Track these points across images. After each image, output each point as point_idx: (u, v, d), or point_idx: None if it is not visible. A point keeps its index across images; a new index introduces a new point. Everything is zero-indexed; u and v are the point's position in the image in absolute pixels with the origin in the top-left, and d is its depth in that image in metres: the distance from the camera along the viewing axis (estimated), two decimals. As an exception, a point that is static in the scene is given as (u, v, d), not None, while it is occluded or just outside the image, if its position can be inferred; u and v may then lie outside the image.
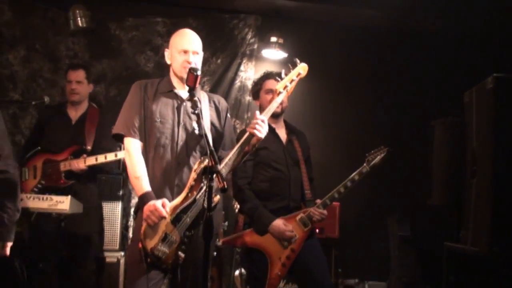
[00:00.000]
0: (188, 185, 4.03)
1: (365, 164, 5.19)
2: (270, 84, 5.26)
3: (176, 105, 4.17)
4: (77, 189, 5.77)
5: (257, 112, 4.16)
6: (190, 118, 4.15)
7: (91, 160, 5.66)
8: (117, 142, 4.36)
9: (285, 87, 4.34)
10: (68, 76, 6.02)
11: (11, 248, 4.21)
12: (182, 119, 4.14)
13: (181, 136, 4.12)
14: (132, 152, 4.10)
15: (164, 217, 3.91)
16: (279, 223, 4.92)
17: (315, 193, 5.20)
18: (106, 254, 6.30)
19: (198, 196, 4.01)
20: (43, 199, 5.37)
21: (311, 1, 7.38)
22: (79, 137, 5.91)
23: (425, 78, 7.71)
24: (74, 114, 6.05)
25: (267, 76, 5.36)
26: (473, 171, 5.19)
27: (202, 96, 4.29)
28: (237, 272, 6.33)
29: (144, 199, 3.98)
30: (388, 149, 5.23)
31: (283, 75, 4.42)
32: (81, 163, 5.67)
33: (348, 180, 5.14)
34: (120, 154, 5.64)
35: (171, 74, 4.28)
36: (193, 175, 4.02)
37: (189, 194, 4.02)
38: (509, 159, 4.82)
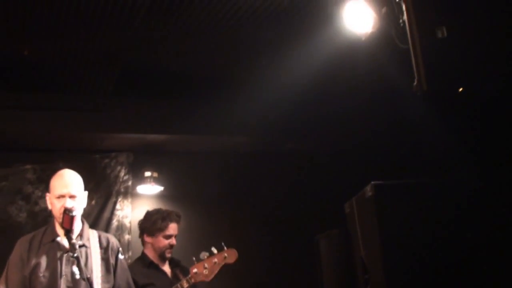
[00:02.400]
0: None
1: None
2: (171, 229, 5.20)
3: (58, 255, 3.94)
4: None
5: None
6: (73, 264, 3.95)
7: None
8: None
9: (204, 268, 4.19)
10: None
11: None
12: (63, 270, 3.89)
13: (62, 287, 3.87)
14: None
15: None
16: None
17: None
18: None
19: None
20: None
21: (180, 133, 7.44)
22: None
23: (304, 196, 7.79)
24: None
25: (170, 219, 5.28)
26: (366, 280, 5.21)
27: (92, 237, 4.11)
28: None
29: None
30: None
31: (202, 256, 4.27)
32: None
33: None
34: None
35: (55, 220, 4.09)
36: None
37: None
38: (398, 262, 4.89)
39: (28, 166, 7.27)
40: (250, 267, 7.53)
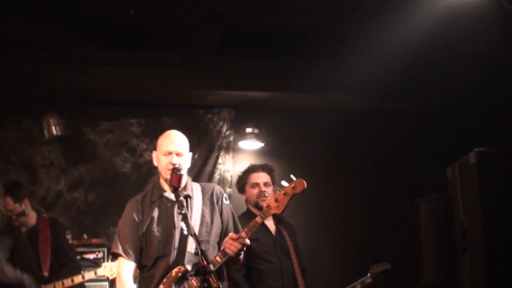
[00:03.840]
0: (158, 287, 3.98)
1: (368, 275, 5.19)
2: (255, 177, 5.28)
3: (168, 209, 4.11)
4: None
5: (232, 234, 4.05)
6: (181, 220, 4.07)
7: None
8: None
9: (275, 201, 4.23)
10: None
11: None
12: (176, 222, 4.06)
13: (177, 240, 4.04)
14: (121, 272, 4.10)
15: None
16: None
17: None
18: None
19: None
20: None
21: (282, 91, 7.46)
22: (34, 256, 5.70)
23: (407, 156, 7.71)
24: (25, 228, 5.80)
25: (252, 169, 5.37)
26: (464, 246, 5.16)
27: (195, 189, 4.23)
28: None
29: None
30: (390, 264, 5.23)
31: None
32: None
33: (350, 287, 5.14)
34: (88, 275, 5.54)
35: (160, 177, 4.23)
36: (164, 279, 3.97)
37: None
38: (499, 231, 4.81)
39: (133, 120, 7.52)
40: (348, 224, 7.60)
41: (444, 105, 7.39)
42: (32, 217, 5.82)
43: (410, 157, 7.65)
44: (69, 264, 5.74)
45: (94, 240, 6.60)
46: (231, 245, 3.92)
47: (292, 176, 4.17)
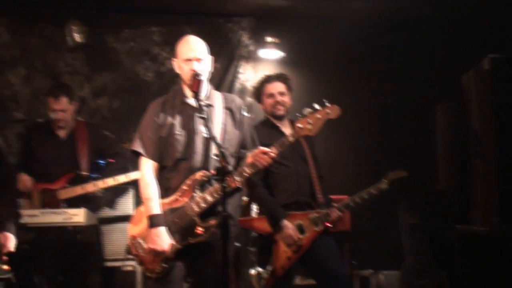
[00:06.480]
0: (181, 188, 4.14)
1: (384, 180, 5.26)
2: (270, 88, 5.31)
3: (190, 114, 4.23)
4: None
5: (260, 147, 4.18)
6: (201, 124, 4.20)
7: (90, 187, 5.71)
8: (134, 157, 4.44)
9: (308, 123, 4.27)
10: (50, 104, 5.84)
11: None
12: (197, 128, 4.19)
13: (198, 144, 4.17)
14: (144, 173, 4.24)
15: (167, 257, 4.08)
16: (288, 226, 4.99)
17: (326, 196, 5.27)
18: (119, 263, 6.19)
19: (186, 204, 4.12)
20: (58, 213, 5.39)
21: (303, -1, 7.42)
22: (70, 157, 5.86)
23: (422, 64, 7.70)
24: (62, 132, 5.96)
25: (267, 80, 5.39)
26: (477, 152, 5.24)
27: (217, 98, 4.34)
28: (253, 271, 6.37)
29: (152, 220, 4.10)
30: (406, 172, 5.30)
31: (306, 112, 4.35)
32: (90, 188, 5.71)
33: (365, 192, 5.24)
34: (134, 175, 5.65)
35: (182, 83, 4.32)
36: (188, 181, 4.12)
37: (179, 198, 4.15)
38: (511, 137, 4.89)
39: (154, 29, 7.57)
40: (366, 133, 7.71)
41: (462, 10, 7.32)
42: (73, 120, 6.00)
43: (427, 65, 7.66)
44: (118, 161, 5.97)
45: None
46: (261, 159, 4.07)
47: (324, 101, 4.24)
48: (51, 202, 5.68)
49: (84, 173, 5.83)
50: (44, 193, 5.75)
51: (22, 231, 5.05)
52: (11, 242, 4.63)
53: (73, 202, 5.65)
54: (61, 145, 5.92)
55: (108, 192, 6.07)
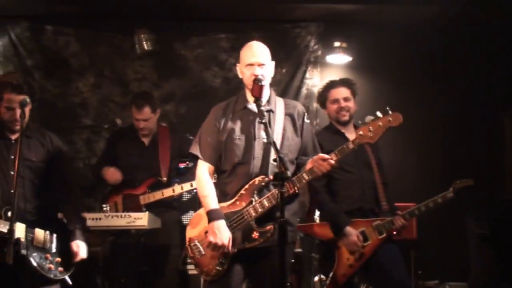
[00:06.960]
0: (239, 192, 4.18)
1: (451, 189, 5.17)
2: (335, 93, 5.28)
3: (250, 119, 4.26)
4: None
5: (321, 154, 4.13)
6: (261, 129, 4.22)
7: (169, 192, 5.82)
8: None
9: (369, 131, 4.24)
10: (133, 113, 5.96)
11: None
12: (257, 133, 4.22)
13: (257, 149, 4.20)
14: (200, 174, 4.32)
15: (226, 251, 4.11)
16: (352, 233, 4.94)
17: (391, 203, 5.19)
18: (189, 266, 6.24)
19: (245, 209, 4.14)
20: (121, 216, 5.46)
21: (370, 3, 7.35)
22: (152, 163, 5.98)
23: (489, 71, 7.56)
24: (146, 139, 6.08)
25: (331, 85, 5.37)
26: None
27: (278, 104, 4.35)
28: (316, 278, 6.35)
29: (211, 215, 4.15)
30: (472, 181, 5.20)
31: (367, 119, 4.32)
32: (169, 193, 5.81)
33: (431, 201, 5.14)
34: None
35: (245, 88, 4.35)
36: (246, 185, 4.16)
37: (237, 203, 4.18)
38: None
39: (222, 35, 7.67)
40: (432, 140, 7.59)
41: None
42: (156, 127, 6.12)
43: (494, 72, 7.51)
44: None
45: (185, 151, 6.86)
46: (320, 165, 4.05)
47: (387, 109, 4.21)
48: (133, 207, 5.82)
49: (164, 178, 5.94)
50: (127, 198, 5.91)
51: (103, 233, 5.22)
52: (83, 250, 4.77)
53: (155, 207, 5.78)
54: (144, 151, 6.05)
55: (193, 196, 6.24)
